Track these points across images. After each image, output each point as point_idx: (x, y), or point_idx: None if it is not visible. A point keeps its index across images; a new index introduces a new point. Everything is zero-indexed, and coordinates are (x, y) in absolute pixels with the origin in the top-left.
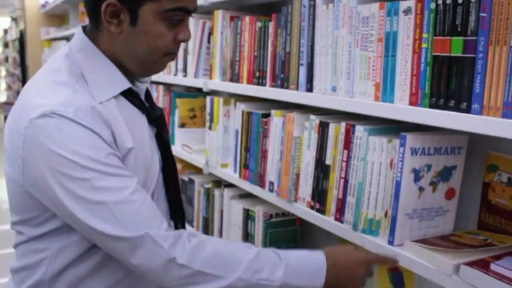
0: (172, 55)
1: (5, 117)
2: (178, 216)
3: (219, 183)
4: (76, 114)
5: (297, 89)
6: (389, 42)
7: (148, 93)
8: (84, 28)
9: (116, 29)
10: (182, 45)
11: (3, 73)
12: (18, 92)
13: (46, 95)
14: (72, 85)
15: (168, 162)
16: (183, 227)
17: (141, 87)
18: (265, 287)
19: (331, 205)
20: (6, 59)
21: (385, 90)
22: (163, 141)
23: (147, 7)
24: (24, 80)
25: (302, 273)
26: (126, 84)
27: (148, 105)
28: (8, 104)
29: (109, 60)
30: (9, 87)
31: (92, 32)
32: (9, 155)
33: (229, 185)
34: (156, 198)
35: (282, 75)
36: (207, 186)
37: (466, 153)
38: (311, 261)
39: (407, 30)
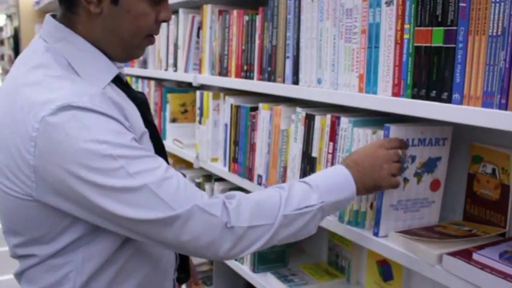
0: (152, 38)
1: None
2: None
3: (210, 177)
4: (93, 102)
5: (284, 81)
6: (373, 33)
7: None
8: (54, 16)
9: (95, 8)
10: (172, 39)
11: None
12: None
13: (49, 90)
14: (68, 76)
15: (158, 143)
16: None
17: (122, 72)
18: (308, 213)
19: None
20: (2, 57)
21: (369, 82)
22: (151, 124)
23: None
24: (17, 51)
25: (333, 189)
26: (115, 70)
27: (131, 90)
28: None
29: (92, 46)
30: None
31: (66, 18)
32: (2, 170)
33: (220, 179)
34: None
35: (269, 69)
36: (198, 180)
37: (451, 145)
38: (337, 175)
39: (390, 21)
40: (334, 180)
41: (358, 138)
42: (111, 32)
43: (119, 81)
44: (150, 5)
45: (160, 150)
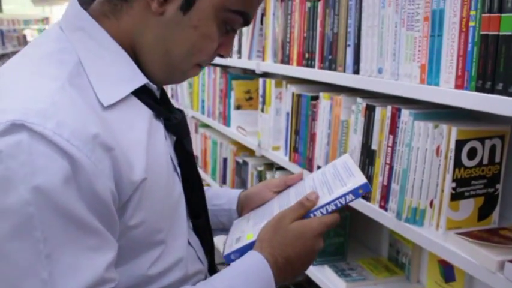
0: (199, 69)
1: None
2: (206, 247)
3: (271, 165)
4: (69, 138)
5: (344, 71)
6: (436, 20)
7: (163, 92)
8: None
9: (158, 6)
10: None
11: None
12: None
13: (17, 94)
14: (61, 80)
15: (191, 180)
16: (212, 259)
17: (154, 86)
18: None
19: (376, 192)
20: None
21: (431, 72)
22: (185, 153)
23: None
24: None
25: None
26: (142, 79)
27: (166, 107)
28: None
29: (119, 46)
30: None
31: (103, 5)
32: None
33: (281, 168)
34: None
35: (330, 57)
36: (260, 168)
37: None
38: (257, 279)
39: (454, 7)
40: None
41: (418, 132)
42: (163, 42)
43: (147, 94)
44: (219, 31)
45: (191, 191)
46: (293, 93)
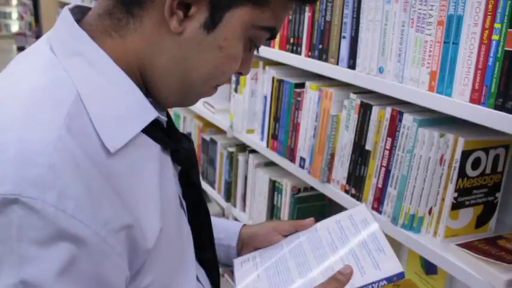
0: (216, 89)
1: (18, 48)
2: (213, 280)
3: (243, 147)
4: (74, 213)
5: (337, 63)
6: (452, 27)
7: (168, 116)
8: (72, 10)
9: (176, 25)
10: None
11: (15, 2)
12: (30, 24)
13: (4, 154)
14: (57, 127)
15: (197, 213)
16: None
17: (162, 112)
18: None
19: (369, 193)
20: (22, 17)
21: (442, 81)
22: (192, 186)
23: (241, 12)
24: (36, 12)
25: None
26: (152, 113)
27: (174, 135)
28: (20, 35)
29: (124, 73)
30: (21, 17)
31: (103, 20)
32: None
33: (254, 151)
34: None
35: (320, 46)
36: (231, 149)
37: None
38: None
39: (476, 16)
40: None
41: (422, 140)
42: (180, 65)
43: (156, 127)
44: (244, 50)
45: (198, 224)
46: (274, 78)
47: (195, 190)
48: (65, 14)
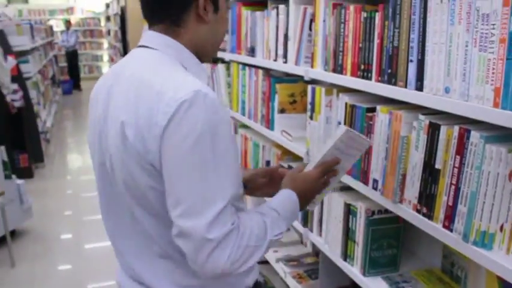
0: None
1: None
2: None
3: None
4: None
5: (406, 86)
6: None
7: None
8: (152, 29)
9: (207, 18)
10: (282, 30)
11: (106, 45)
12: None
13: (184, 80)
14: (188, 73)
15: None
16: None
17: None
18: (279, 236)
19: (440, 211)
20: (108, 32)
21: (506, 97)
22: None
23: None
24: (125, 53)
25: (292, 216)
26: (207, 72)
27: None
28: None
29: (191, 52)
30: (111, 59)
31: (170, 30)
32: (139, 154)
33: None
34: None
35: (389, 71)
36: None
37: None
38: (293, 203)
39: None
40: (292, 208)
41: (490, 156)
42: (213, 36)
43: None
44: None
45: None
46: (346, 103)
47: None
48: (152, 33)
